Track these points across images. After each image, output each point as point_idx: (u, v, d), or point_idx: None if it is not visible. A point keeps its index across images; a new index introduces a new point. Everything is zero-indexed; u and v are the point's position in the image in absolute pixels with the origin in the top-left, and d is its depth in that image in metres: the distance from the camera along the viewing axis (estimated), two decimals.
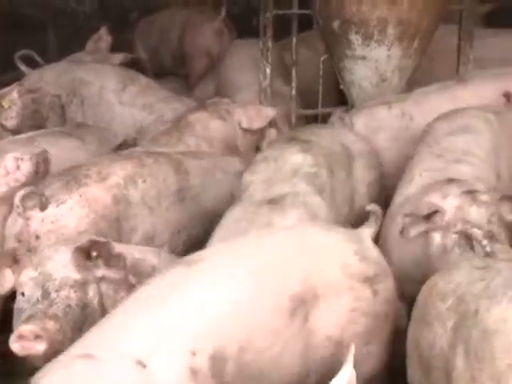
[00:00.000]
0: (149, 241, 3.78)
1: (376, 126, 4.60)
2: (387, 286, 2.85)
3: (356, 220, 3.70)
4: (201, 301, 2.51)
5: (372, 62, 5.00)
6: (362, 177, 3.96)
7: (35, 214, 3.53)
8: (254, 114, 4.73)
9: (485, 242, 2.99)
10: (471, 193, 3.20)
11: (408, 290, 3.39)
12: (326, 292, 2.69)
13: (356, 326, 2.74)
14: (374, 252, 2.91)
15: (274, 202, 3.46)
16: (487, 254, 2.97)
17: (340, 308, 2.71)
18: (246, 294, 2.57)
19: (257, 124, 4.71)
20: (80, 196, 3.61)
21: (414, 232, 3.20)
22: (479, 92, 4.63)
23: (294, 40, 5.36)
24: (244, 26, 6.93)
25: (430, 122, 4.09)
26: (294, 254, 2.74)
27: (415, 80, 5.08)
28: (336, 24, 5.00)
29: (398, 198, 3.63)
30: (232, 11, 7.17)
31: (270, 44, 5.25)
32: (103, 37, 6.66)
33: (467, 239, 3.12)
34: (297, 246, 2.80)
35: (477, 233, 3.04)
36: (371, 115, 4.67)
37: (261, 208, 3.44)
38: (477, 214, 3.13)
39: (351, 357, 2.10)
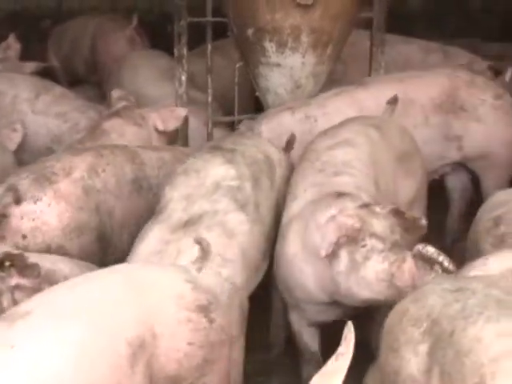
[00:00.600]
0: (122, 227, 3.98)
1: (280, 131, 4.65)
2: (221, 313, 2.77)
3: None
4: (29, 363, 2.24)
5: (287, 68, 5.06)
6: (280, 186, 3.97)
7: (14, 211, 3.66)
8: (167, 116, 4.84)
9: (441, 258, 2.93)
10: (367, 206, 3.21)
11: (306, 309, 3.52)
12: (163, 329, 2.55)
13: (194, 359, 2.62)
14: (203, 279, 2.80)
15: (189, 224, 3.41)
16: (447, 272, 2.92)
17: (179, 343, 2.58)
18: (78, 349, 2.32)
19: (172, 125, 4.83)
20: (54, 192, 3.75)
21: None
22: (379, 95, 4.72)
23: (209, 48, 5.39)
24: (158, 34, 6.93)
25: (312, 139, 4.15)
26: (125, 296, 2.56)
27: (331, 86, 5.16)
28: (250, 32, 5.05)
29: (285, 219, 3.63)
30: (146, 19, 7.18)
31: (184, 51, 5.26)
32: (12, 45, 6.52)
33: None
34: (125, 286, 2.60)
35: (432, 252, 2.97)
36: (275, 121, 4.76)
37: (175, 234, 3.38)
38: (379, 225, 3.12)
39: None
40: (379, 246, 3.07)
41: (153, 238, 3.42)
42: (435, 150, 4.81)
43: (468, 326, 2.34)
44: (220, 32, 5.50)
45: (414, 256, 3.01)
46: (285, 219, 3.63)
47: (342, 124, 4.15)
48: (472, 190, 5.13)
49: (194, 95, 5.53)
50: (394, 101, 4.36)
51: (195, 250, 3.03)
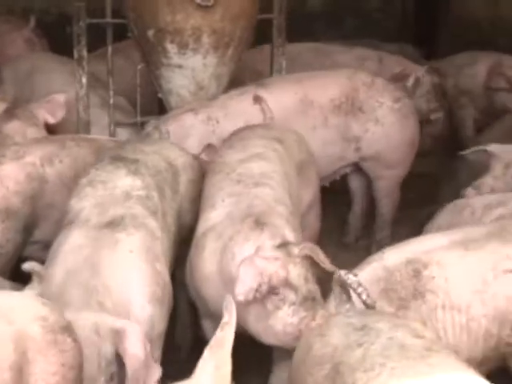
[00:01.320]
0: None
1: (183, 132, 4.67)
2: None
3: (185, 237, 3.74)
4: None
5: (188, 70, 5.05)
6: (186, 193, 3.93)
7: None
8: (51, 107, 4.88)
9: (360, 289, 2.81)
10: (285, 246, 3.09)
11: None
12: (35, 354, 2.48)
13: (69, 381, 2.56)
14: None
15: (114, 224, 3.33)
16: (367, 306, 2.82)
17: (50, 367, 2.51)
18: None
19: (59, 114, 4.90)
20: None
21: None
22: (278, 96, 4.80)
23: (110, 49, 5.34)
24: (57, 35, 6.82)
25: (220, 152, 4.10)
26: None
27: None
28: (151, 33, 5.03)
29: (201, 228, 3.57)
30: (45, 20, 7.06)
31: (84, 53, 5.20)
32: None
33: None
34: None
35: (353, 281, 2.83)
36: (178, 122, 4.74)
37: (102, 231, 3.30)
38: (294, 273, 3.00)
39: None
40: (292, 297, 2.97)
41: (77, 236, 3.30)
42: (334, 151, 4.88)
43: (370, 381, 2.23)
44: (121, 33, 5.46)
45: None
46: (201, 228, 3.57)
47: (245, 136, 4.12)
48: (372, 189, 5.22)
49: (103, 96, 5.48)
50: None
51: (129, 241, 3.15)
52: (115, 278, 3.10)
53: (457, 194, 4.88)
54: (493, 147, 4.32)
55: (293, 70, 5.55)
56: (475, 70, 6.31)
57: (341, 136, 4.86)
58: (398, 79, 5.56)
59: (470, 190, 4.23)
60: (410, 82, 5.46)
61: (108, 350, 2.73)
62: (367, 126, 4.87)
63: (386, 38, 7.46)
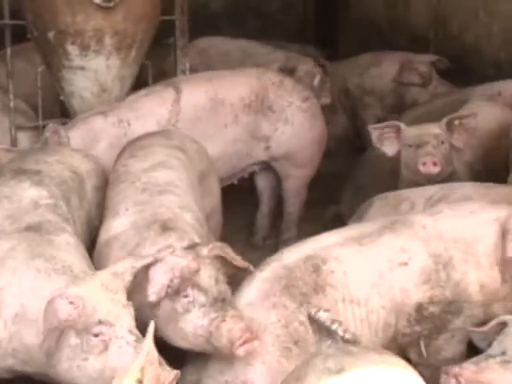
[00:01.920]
0: None
1: (93, 136, 4.59)
2: None
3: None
4: None
5: (91, 72, 4.98)
6: (93, 199, 3.86)
7: None
8: None
9: (334, 326, 2.70)
10: (193, 247, 3.03)
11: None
12: None
13: None
14: None
15: (35, 229, 3.22)
16: (346, 341, 2.69)
17: None
18: None
19: None
20: None
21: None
22: (189, 95, 4.78)
23: (9, 51, 5.21)
24: None
25: (121, 161, 4.00)
26: None
27: None
28: (51, 35, 4.92)
29: (104, 236, 3.49)
30: None
31: None
32: None
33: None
34: None
35: (324, 319, 2.75)
36: (87, 126, 4.65)
37: (26, 233, 3.19)
38: (204, 274, 2.94)
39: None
40: (202, 299, 2.90)
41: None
42: (244, 149, 4.89)
43: None
44: (21, 35, 5.34)
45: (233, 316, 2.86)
46: (104, 236, 3.50)
47: (146, 145, 4.06)
48: (279, 188, 5.25)
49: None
50: None
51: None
52: None
53: (358, 193, 4.98)
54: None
55: (220, 66, 5.65)
56: (382, 69, 6.45)
57: (251, 134, 4.88)
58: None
59: None
60: (316, 81, 5.54)
61: None
62: (277, 126, 4.91)
63: (287, 39, 7.55)
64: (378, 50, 6.61)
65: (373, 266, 3.17)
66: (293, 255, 3.21)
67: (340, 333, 2.65)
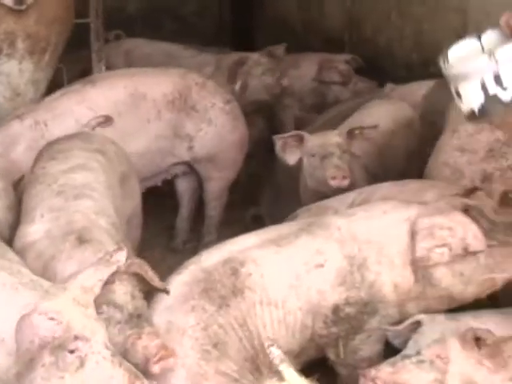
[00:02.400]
0: None
1: (10, 141, 4.49)
2: None
3: None
4: None
5: (3, 76, 4.89)
6: (5, 220, 3.70)
7: None
8: None
9: (282, 366, 2.61)
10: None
11: None
12: None
13: None
14: None
15: None
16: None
17: None
18: None
19: None
20: None
21: None
22: (107, 92, 4.73)
23: None
24: None
25: (37, 162, 3.92)
26: None
27: None
28: None
29: (19, 243, 3.36)
30: None
31: None
32: None
33: None
34: None
35: (274, 356, 2.65)
36: (3, 132, 4.54)
37: None
38: (120, 291, 2.86)
39: None
40: (117, 315, 2.83)
41: None
42: (167, 146, 4.87)
43: None
44: None
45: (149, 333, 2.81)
46: (19, 243, 3.37)
47: (65, 148, 3.97)
48: (200, 192, 5.24)
49: None
50: None
51: None
52: None
53: (276, 195, 5.00)
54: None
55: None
56: (301, 71, 6.50)
57: (174, 132, 4.85)
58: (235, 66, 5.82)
59: None
60: (238, 86, 5.57)
61: None
62: (201, 126, 4.90)
63: (204, 41, 7.53)
64: (294, 53, 6.66)
65: (290, 267, 3.18)
66: (211, 258, 3.21)
67: (286, 375, 2.60)
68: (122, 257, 2.85)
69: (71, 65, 5.70)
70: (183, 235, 5.33)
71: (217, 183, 5.11)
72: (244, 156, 5.17)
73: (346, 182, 4.10)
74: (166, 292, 2.99)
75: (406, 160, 4.88)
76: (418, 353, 2.85)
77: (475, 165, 3.84)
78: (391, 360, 2.88)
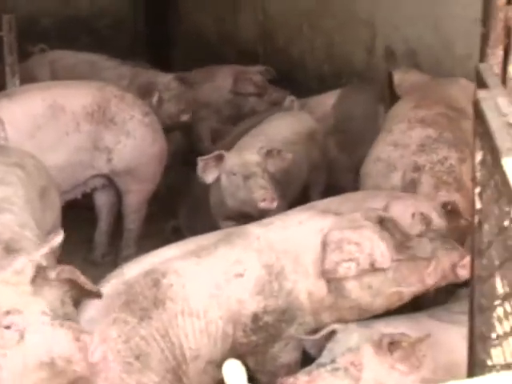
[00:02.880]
0: None
1: None
2: None
3: None
4: None
5: None
6: None
7: None
8: None
9: None
10: (41, 271, 2.82)
11: None
12: None
13: None
14: None
15: None
16: None
17: None
18: None
19: None
20: None
21: None
22: (24, 104, 4.67)
23: None
24: None
25: None
26: None
27: None
28: None
29: None
30: None
31: None
32: None
33: None
34: None
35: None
36: None
37: None
38: (49, 296, 2.78)
39: None
40: (45, 319, 2.75)
41: None
42: (86, 159, 4.82)
43: None
44: None
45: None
46: None
47: None
48: (118, 205, 5.21)
49: None
50: None
51: None
52: None
53: (195, 207, 5.01)
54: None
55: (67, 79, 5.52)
56: (216, 83, 6.51)
57: (93, 144, 4.82)
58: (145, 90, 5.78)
59: None
60: (155, 99, 5.57)
61: None
62: (119, 138, 4.88)
63: (118, 54, 7.49)
64: (210, 64, 6.70)
65: (210, 277, 3.19)
66: (133, 271, 3.20)
67: None
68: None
69: None
70: (102, 248, 5.28)
71: (136, 196, 5.09)
72: (163, 168, 5.16)
73: (274, 204, 4.08)
74: (99, 295, 2.97)
75: (308, 171, 4.96)
76: (333, 361, 2.91)
77: (407, 158, 3.91)
78: (307, 369, 2.93)
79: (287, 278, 3.24)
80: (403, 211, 3.33)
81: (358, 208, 3.44)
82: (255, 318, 3.20)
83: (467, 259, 3.02)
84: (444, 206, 3.52)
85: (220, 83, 6.58)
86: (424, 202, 3.38)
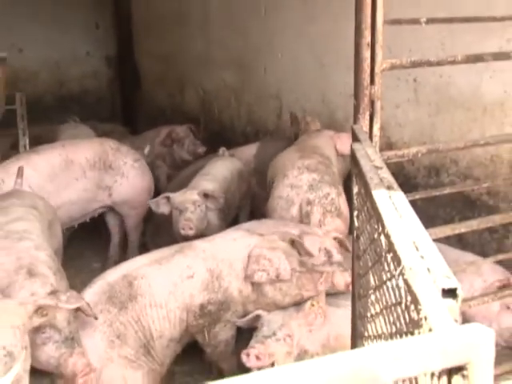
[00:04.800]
0: None
1: None
2: None
3: None
4: None
5: None
6: None
7: None
8: None
9: None
10: (54, 293, 2.69)
11: None
12: None
13: None
14: None
15: None
16: None
17: None
18: None
19: None
20: None
21: None
22: (46, 157, 4.53)
23: None
24: None
25: None
26: None
27: None
28: None
29: None
30: None
31: None
32: None
33: None
34: None
35: None
36: None
37: None
38: (61, 316, 2.69)
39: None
40: (56, 336, 2.69)
41: None
42: (92, 195, 4.72)
43: None
44: None
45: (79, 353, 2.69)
46: None
47: (4, 205, 3.67)
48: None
49: None
50: None
51: None
52: None
53: (158, 227, 4.92)
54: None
55: None
56: (159, 138, 6.41)
57: (96, 185, 4.72)
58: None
59: None
60: (146, 151, 5.47)
61: None
62: (116, 179, 4.79)
63: (101, 122, 7.42)
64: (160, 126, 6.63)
65: (169, 278, 3.17)
66: (114, 275, 3.15)
67: None
68: (63, 298, 2.64)
69: (3, 138, 5.46)
70: (115, 256, 5.10)
71: (133, 218, 4.99)
72: (152, 197, 4.95)
73: (192, 232, 3.98)
74: (96, 318, 2.85)
75: (239, 200, 4.93)
76: (274, 333, 2.92)
77: (301, 195, 3.91)
78: (256, 339, 2.91)
79: (224, 279, 3.23)
80: (312, 245, 3.32)
81: (273, 230, 3.43)
82: (202, 307, 3.18)
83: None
84: (334, 239, 3.54)
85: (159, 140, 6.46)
86: (327, 239, 3.37)
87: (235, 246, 3.32)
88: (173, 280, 3.16)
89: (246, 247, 3.27)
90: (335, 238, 3.43)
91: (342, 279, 3.30)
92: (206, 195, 4.22)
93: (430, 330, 0.98)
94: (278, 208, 3.99)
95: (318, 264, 3.25)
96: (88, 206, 4.76)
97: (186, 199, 4.14)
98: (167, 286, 3.14)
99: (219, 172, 4.76)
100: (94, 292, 3.05)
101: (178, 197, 4.18)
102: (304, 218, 3.86)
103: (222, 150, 5.41)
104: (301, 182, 3.98)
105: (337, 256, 3.33)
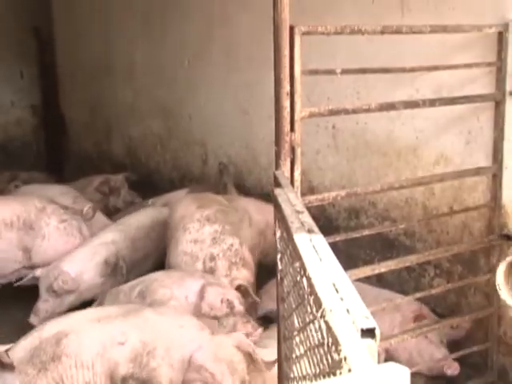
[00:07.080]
0: None
1: None
2: None
3: None
4: None
5: None
6: None
7: None
8: None
9: None
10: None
11: None
12: None
13: None
14: None
15: None
16: None
17: None
18: None
19: None
20: None
21: None
22: None
23: None
24: None
25: None
26: None
27: None
28: None
29: None
30: None
31: None
32: None
33: None
34: None
35: None
36: None
37: None
38: None
39: None
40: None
41: None
42: (11, 257, 4.52)
43: None
44: None
45: None
46: None
47: None
48: None
49: None
50: None
51: None
52: None
53: None
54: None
55: None
56: (89, 188, 6.25)
57: (15, 246, 4.51)
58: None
59: None
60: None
61: None
62: (36, 240, 4.56)
63: (25, 169, 7.19)
64: (90, 175, 6.51)
65: (101, 340, 2.92)
66: (51, 329, 2.92)
67: None
68: None
69: None
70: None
71: None
72: None
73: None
74: (12, 368, 2.70)
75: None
76: None
77: (205, 250, 3.86)
78: None
79: (155, 358, 2.95)
80: (215, 297, 3.31)
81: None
82: (124, 380, 2.92)
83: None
84: (238, 287, 3.53)
85: (88, 189, 6.25)
86: (230, 290, 3.36)
87: (180, 334, 3.03)
88: (104, 342, 2.91)
89: (191, 342, 2.99)
90: (240, 286, 3.43)
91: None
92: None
93: (350, 370, 0.98)
94: (182, 264, 3.89)
95: (220, 316, 3.24)
96: (9, 266, 4.53)
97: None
98: (97, 347, 2.89)
99: (141, 219, 4.67)
100: (23, 346, 2.83)
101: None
102: (209, 273, 3.77)
103: (151, 200, 5.37)
104: (203, 235, 3.91)
105: (239, 307, 3.31)
